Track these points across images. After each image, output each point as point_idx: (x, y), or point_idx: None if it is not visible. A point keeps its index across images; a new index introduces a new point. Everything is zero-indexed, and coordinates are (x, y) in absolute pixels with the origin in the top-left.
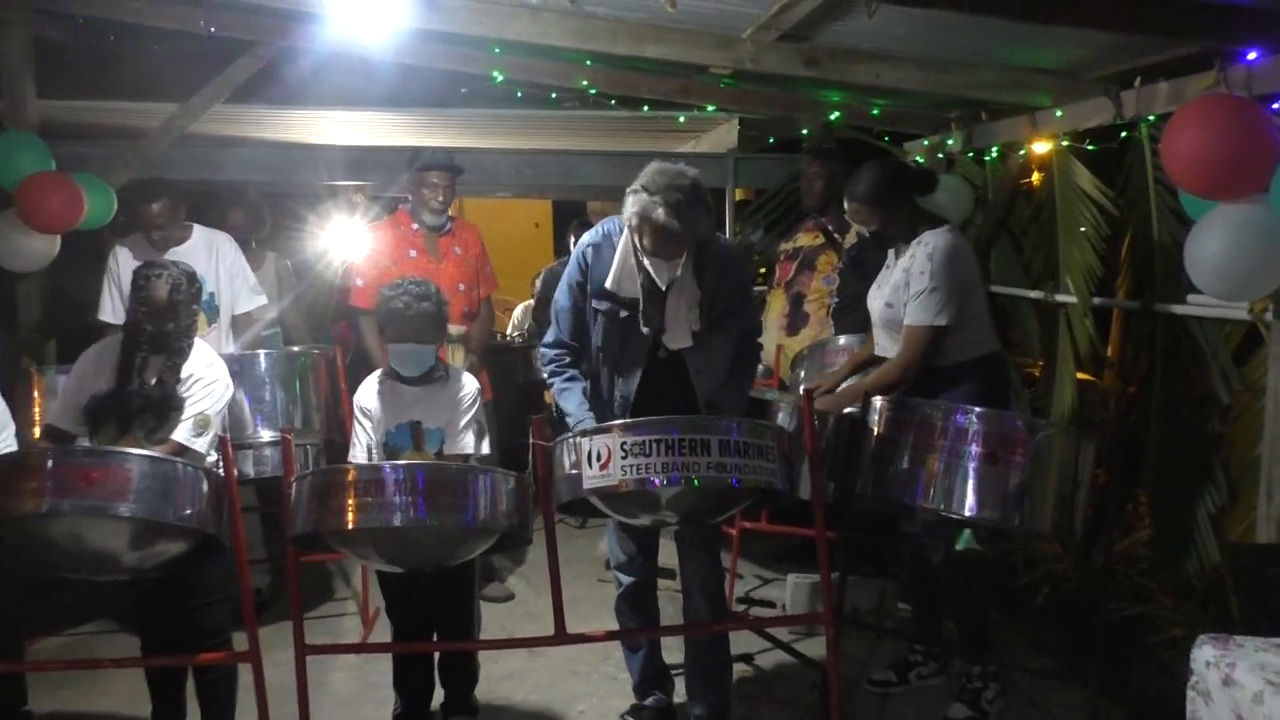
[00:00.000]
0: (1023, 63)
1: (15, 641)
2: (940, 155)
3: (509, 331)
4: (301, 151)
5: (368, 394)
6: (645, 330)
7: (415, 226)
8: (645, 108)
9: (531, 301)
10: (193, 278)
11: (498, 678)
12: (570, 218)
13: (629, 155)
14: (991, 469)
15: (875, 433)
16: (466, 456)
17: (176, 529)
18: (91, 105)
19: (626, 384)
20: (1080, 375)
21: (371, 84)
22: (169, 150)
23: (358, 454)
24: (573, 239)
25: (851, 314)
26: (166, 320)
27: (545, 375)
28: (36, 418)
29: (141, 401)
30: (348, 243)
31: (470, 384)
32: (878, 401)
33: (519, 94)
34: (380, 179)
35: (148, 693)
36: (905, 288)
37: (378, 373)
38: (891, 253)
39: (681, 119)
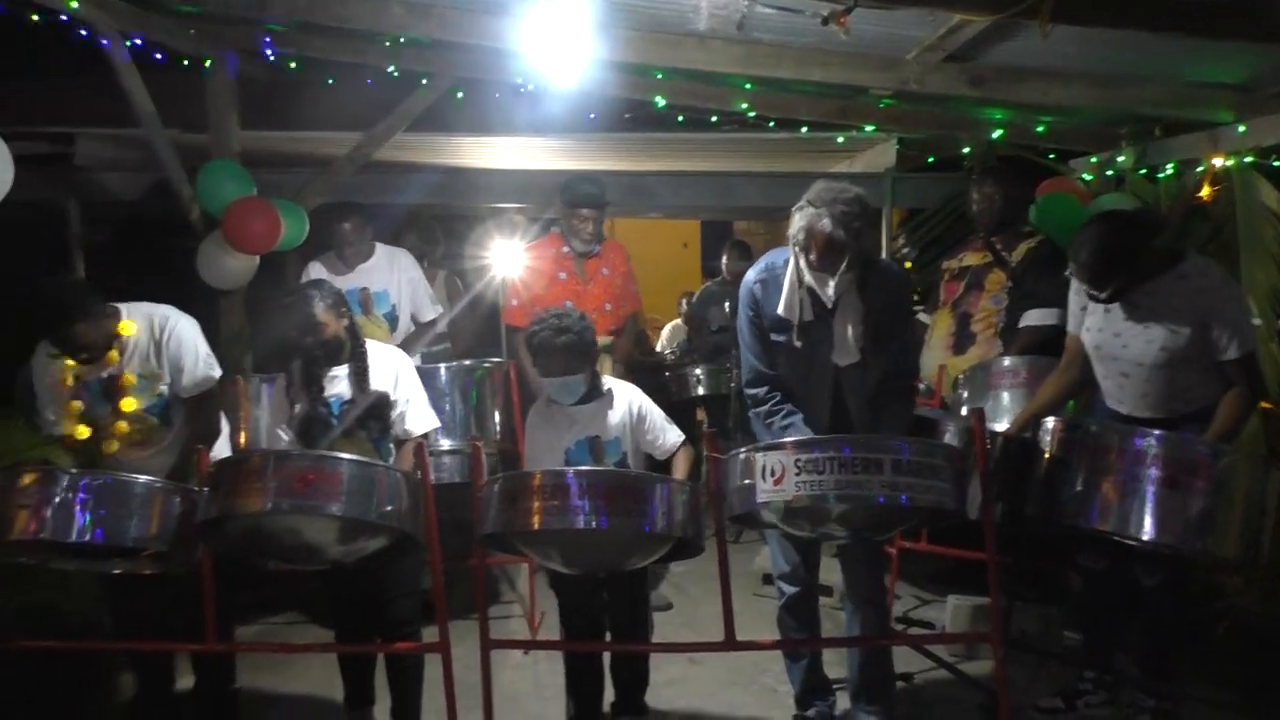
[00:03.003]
0: (1201, 78)
1: (228, 627)
2: (1110, 173)
3: (660, 347)
4: (473, 175)
5: (538, 420)
6: (798, 344)
7: (566, 250)
8: (803, 129)
9: (679, 321)
10: (332, 291)
11: (660, 684)
12: (718, 238)
13: (786, 176)
14: (1170, 493)
15: (1047, 455)
16: (681, 441)
17: (378, 526)
18: (286, 135)
19: (821, 405)
20: (1264, 405)
21: (539, 111)
22: (354, 176)
23: None
24: (725, 259)
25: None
26: (321, 332)
27: (762, 418)
28: (243, 422)
29: (361, 412)
30: (507, 262)
31: (634, 393)
32: (1050, 422)
33: (680, 118)
34: (543, 201)
35: (340, 678)
36: (1199, 325)
37: (542, 399)
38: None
39: (840, 139)
